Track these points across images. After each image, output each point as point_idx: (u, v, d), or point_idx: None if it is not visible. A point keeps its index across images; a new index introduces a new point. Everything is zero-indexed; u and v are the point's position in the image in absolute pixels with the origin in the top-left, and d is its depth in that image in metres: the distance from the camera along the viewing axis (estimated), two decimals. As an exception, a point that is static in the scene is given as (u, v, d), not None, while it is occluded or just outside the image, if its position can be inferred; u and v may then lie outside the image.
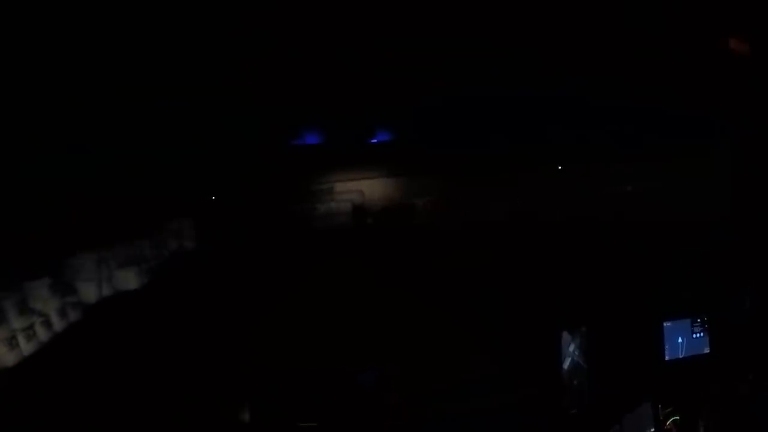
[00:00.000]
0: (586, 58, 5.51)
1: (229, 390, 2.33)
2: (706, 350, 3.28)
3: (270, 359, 5.24)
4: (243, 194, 9.84)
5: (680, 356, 3.20)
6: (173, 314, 7.60)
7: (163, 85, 5.57)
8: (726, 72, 4.42)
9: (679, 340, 3.20)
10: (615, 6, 4.55)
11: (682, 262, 6.43)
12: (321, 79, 6.19)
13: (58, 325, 6.44)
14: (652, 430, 2.74)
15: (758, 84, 4.16)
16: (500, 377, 3.00)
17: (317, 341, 6.08)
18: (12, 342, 5.90)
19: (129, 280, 7.58)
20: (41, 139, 5.28)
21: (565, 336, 2.73)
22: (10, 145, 4.97)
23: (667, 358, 3.17)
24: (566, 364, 2.72)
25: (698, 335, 3.27)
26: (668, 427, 2.75)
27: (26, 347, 5.80)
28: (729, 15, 4.01)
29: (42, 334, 6.15)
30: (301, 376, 2.37)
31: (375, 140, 8.94)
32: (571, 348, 2.76)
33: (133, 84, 5.33)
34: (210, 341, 6.28)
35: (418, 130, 8.78)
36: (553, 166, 8.89)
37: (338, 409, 2.31)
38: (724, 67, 4.36)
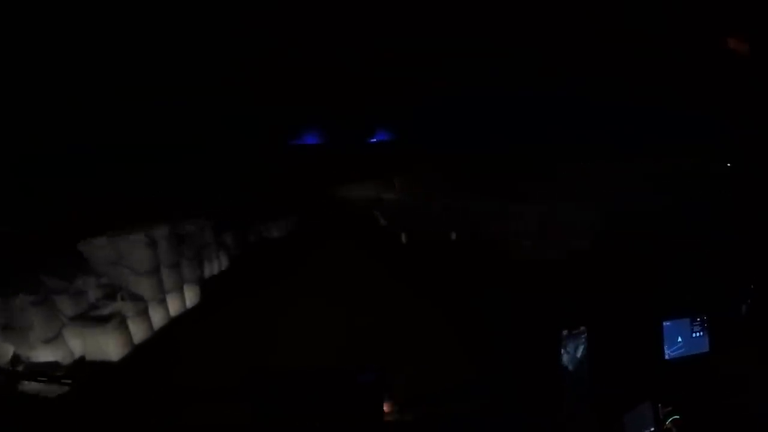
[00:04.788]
0: (586, 58, 5.51)
1: (229, 390, 2.32)
2: (706, 350, 3.28)
3: (270, 359, 5.24)
4: (242, 194, 9.85)
5: (680, 355, 3.21)
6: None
7: (163, 85, 5.57)
8: (726, 72, 4.42)
9: (679, 339, 3.21)
10: (615, 6, 4.55)
11: (682, 263, 6.44)
12: (321, 79, 6.19)
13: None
14: (652, 429, 2.74)
15: (758, 84, 4.16)
16: (500, 377, 3.00)
17: (318, 341, 6.08)
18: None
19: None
20: (41, 139, 5.28)
21: (566, 335, 2.73)
22: (10, 145, 4.98)
23: (666, 357, 3.17)
24: (567, 364, 2.72)
25: (698, 334, 3.27)
26: (668, 426, 2.76)
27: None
28: (729, 15, 4.00)
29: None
30: (301, 376, 2.36)
31: (375, 140, 8.94)
32: (572, 347, 2.76)
33: (133, 84, 5.33)
34: (210, 341, 6.29)
35: (418, 130, 8.80)
36: (553, 165, 8.92)
37: (338, 409, 2.31)
38: (724, 67, 4.36)
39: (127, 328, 6.34)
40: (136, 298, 6.86)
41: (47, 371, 4.64)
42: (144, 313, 6.82)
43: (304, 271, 9.23)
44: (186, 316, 7.54)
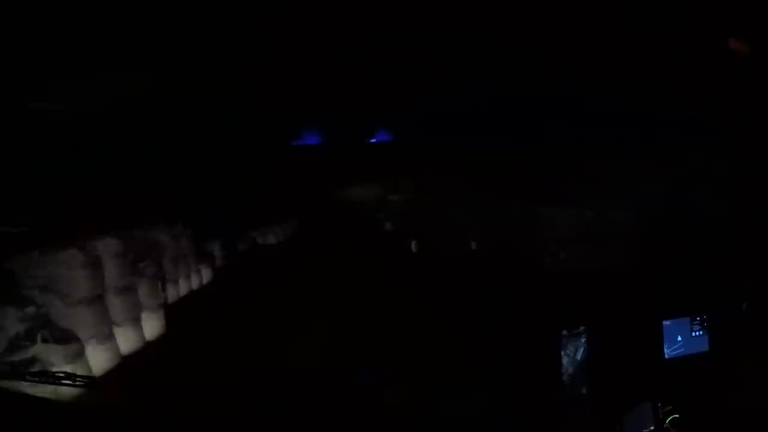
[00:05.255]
0: (586, 58, 5.50)
1: (226, 391, 2.32)
2: (706, 349, 3.29)
3: (269, 360, 5.24)
4: (242, 194, 9.85)
5: (679, 355, 3.21)
6: (170, 314, 7.63)
7: (163, 85, 5.57)
8: (726, 72, 4.42)
9: (679, 338, 3.22)
10: (615, 6, 4.55)
11: (682, 263, 6.44)
12: (321, 79, 6.18)
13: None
14: (652, 429, 2.75)
15: (758, 84, 4.16)
16: (499, 377, 3.01)
17: (317, 342, 6.09)
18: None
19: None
20: (41, 139, 5.28)
21: (565, 336, 2.73)
22: (10, 145, 4.97)
23: (666, 357, 3.18)
24: (566, 366, 2.72)
25: (697, 334, 3.28)
26: (667, 426, 2.76)
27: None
28: (729, 15, 4.00)
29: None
30: (300, 376, 2.36)
31: (375, 140, 8.93)
32: (572, 349, 2.76)
33: (133, 84, 5.33)
34: (207, 342, 6.28)
35: (418, 130, 8.80)
36: (552, 166, 8.90)
37: (337, 409, 2.30)
38: (724, 67, 4.36)
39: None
40: (67, 338, 5.05)
41: (47, 371, 4.59)
42: (77, 358, 5.04)
43: (304, 272, 9.24)
44: (183, 316, 7.51)
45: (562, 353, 2.70)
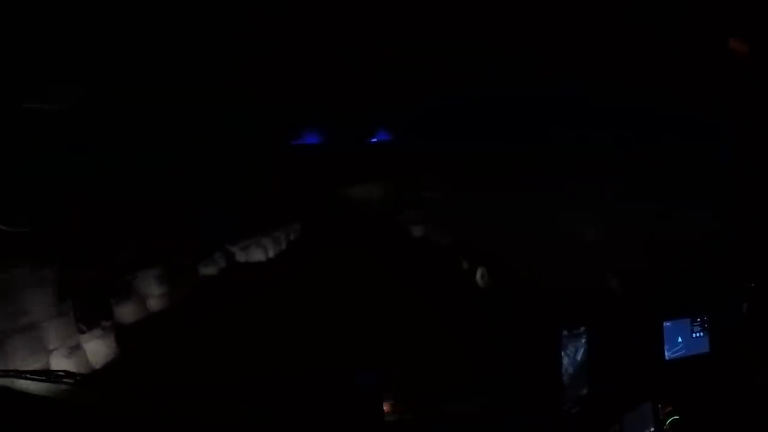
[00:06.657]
0: (586, 58, 5.50)
1: (225, 393, 2.32)
2: (706, 350, 3.30)
3: (268, 361, 5.24)
4: (241, 195, 9.82)
5: (680, 356, 3.21)
6: (168, 314, 7.59)
7: (162, 85, 5.57)
8: (726, 72, 4.42)
9: (679, 339, 3.22)
10: (615, 6, 4.55)
11: (682, 263, 6.43)
12: (321, 79, 6.18)
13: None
14: (652, 429, 2.75)
15: (758, 84, 4.16)
16: (500, 377, 3.01)
17: (316, 342, 6.08)
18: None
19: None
20: (41, 139, 5.27)
21: (566, 336, 2.73)
22: (10, 145, 4.97)
23: (667, 357, 3.18)
24: (566, 364, 2.72)
25: (698, 335, 3.29)
26: (667, 427, 2.76)
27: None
28: (729, 15, 4.00)
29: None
30: (300, 377, 2.36)
31: (375, 140, 8.91)
32: (572, 349, 2.76)
33: (133, 84, 5.33)
34: (206, 343, 6.27)
35: (418, 130, 8.78)
36: (553, 166, 8.88)
37: (337, 410, 2.31)
38: (724, 67, 4.36)
39: None
40: None
41: (47, 370, 4.60)
42: None
43: (302, 275, 9.22)
44: (181, 317, 7.48)
45: (563, 353, 2.70)
